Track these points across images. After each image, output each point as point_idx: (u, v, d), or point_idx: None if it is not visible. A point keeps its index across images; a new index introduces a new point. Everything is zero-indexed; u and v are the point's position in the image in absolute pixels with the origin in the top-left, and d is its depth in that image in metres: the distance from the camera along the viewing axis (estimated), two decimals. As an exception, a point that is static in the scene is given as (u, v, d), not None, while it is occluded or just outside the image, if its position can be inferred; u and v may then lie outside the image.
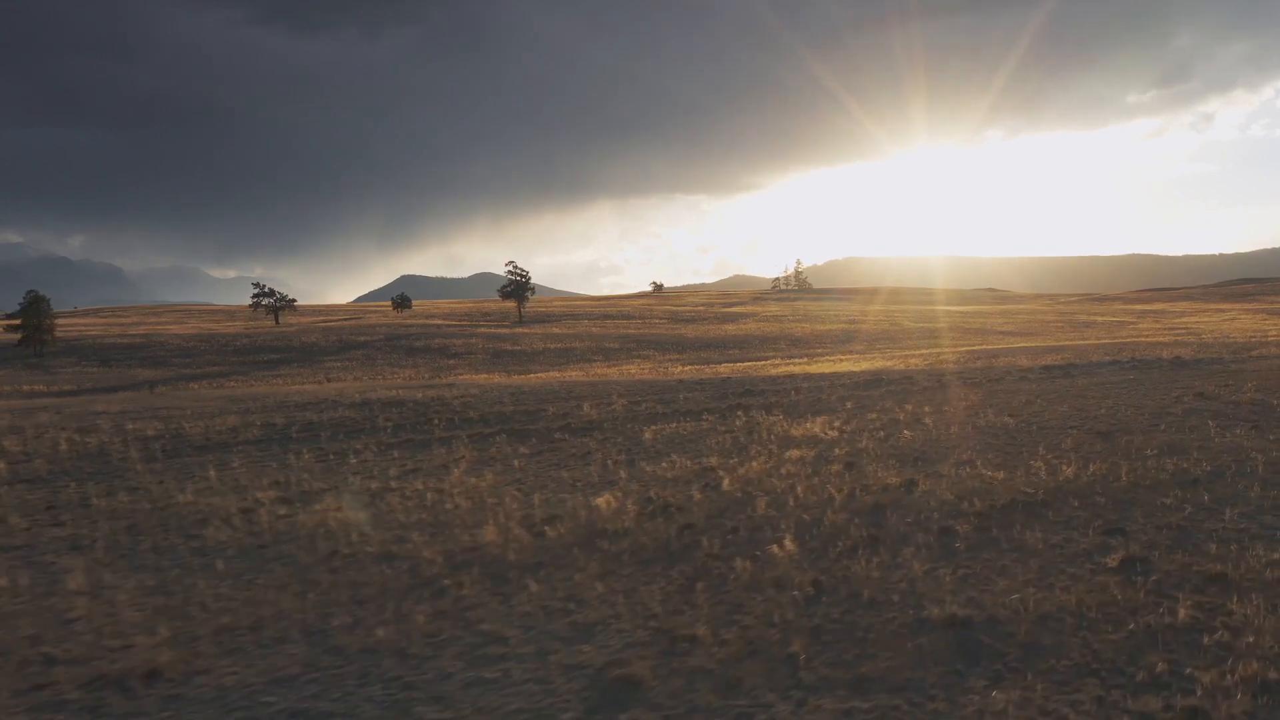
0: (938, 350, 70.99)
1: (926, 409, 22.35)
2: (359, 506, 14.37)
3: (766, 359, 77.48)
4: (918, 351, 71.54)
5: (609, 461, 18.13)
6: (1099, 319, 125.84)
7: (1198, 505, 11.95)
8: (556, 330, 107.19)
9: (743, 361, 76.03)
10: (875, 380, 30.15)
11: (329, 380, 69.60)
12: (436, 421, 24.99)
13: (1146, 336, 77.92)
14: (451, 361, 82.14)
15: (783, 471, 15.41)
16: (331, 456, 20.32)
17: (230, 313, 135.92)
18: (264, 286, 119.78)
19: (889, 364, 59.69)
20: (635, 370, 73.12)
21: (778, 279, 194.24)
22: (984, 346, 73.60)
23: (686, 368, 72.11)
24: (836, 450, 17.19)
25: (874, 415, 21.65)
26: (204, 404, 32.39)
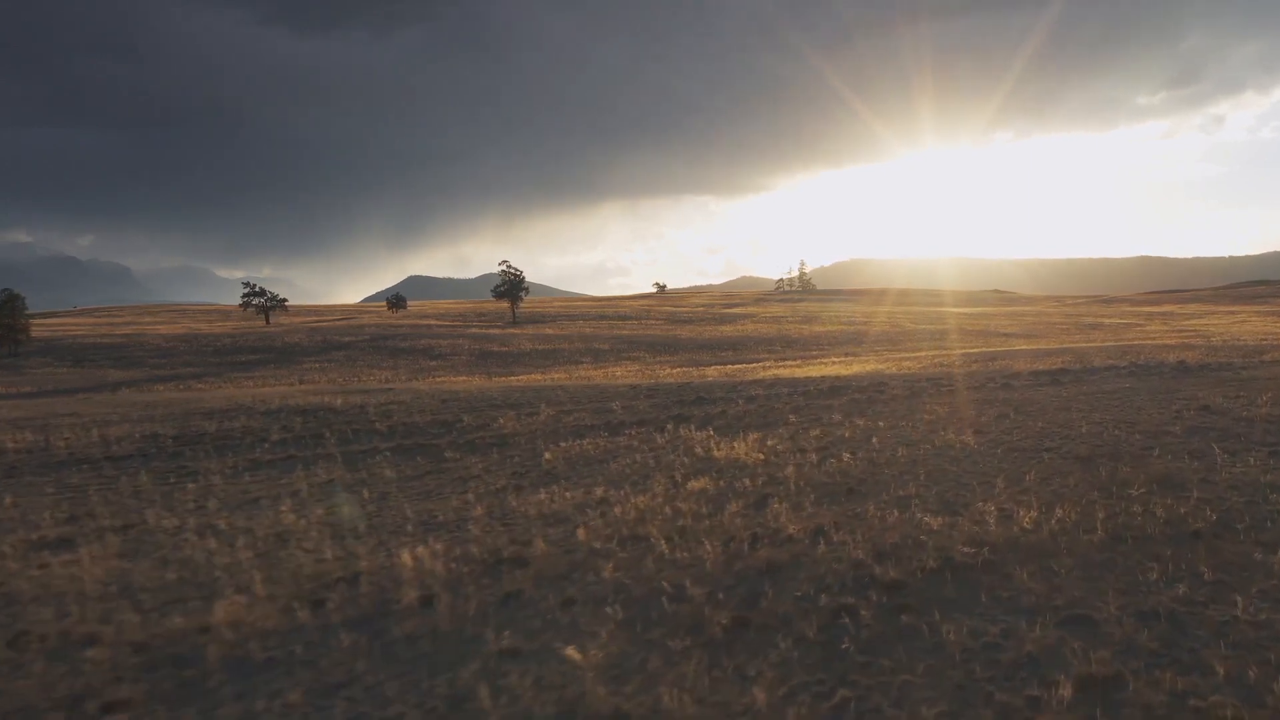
0: (933, 353, 67.40)
1: (882, 423, 18.91)
2: (103, 559, 11.01)
3: (758, 361, 74.04)
4: (914, 354, 67.98)
5: (486, 489, 14.80)
6: (1106, 321, 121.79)
7: (1196, 579, 8.48)
8: (549, 331, 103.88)
9: (733, 364, 72.63)
10: (843, 387, 26.69)
11: (301, 382, 66.50)
12: (330, 436, 21.68)
13: (1153, 339, 74.13)
14: (433, 363, 78.91)
15: (669, 511, 12.00)
16: (173, 479, 17.03)
17: (225, 313, 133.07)
18: (254, 286, 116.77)
19: (880, 367, 56.23)
20: (621, 373, 69.81)
21: (781, 280, 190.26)
22: (984, 349, 69.98)
23: (673, 370, 68.79)
24: (751, 480, 13.76)
25: (818, 432, 18.21)
26: (115, 410, 29.21)
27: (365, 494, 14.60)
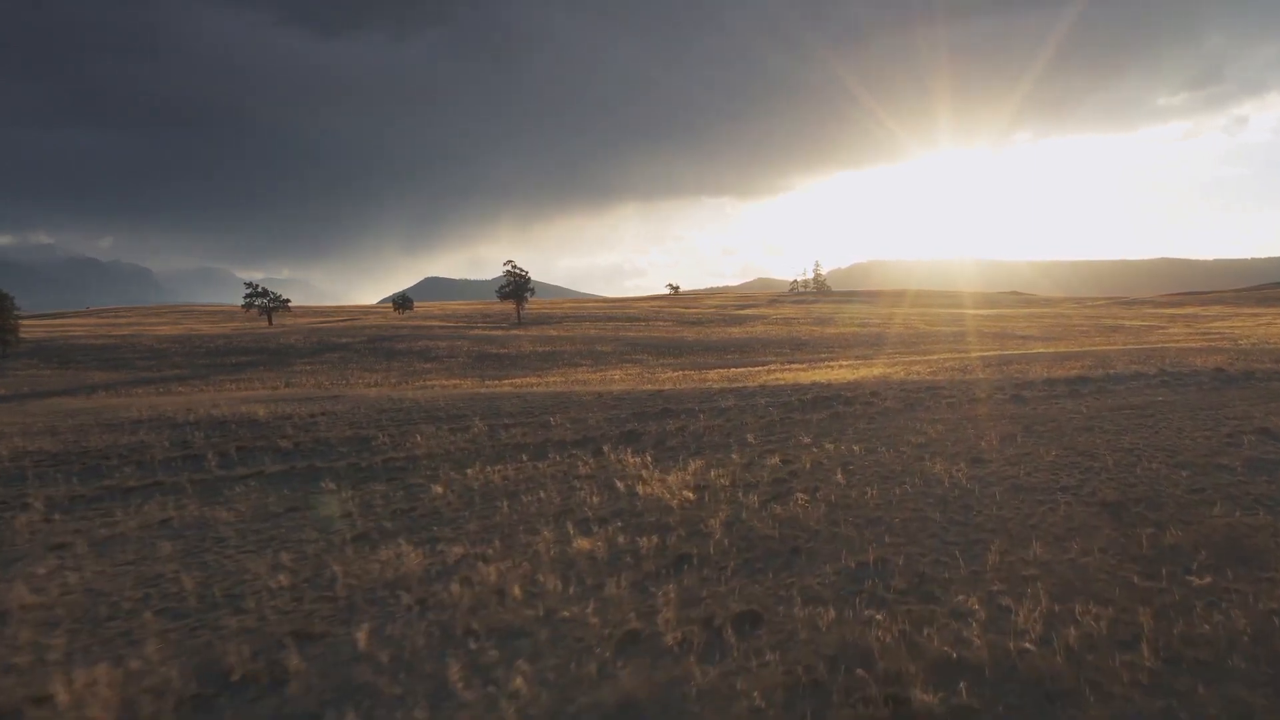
0: (946, 355, 63.38)
1: (858, 447, 15.25)
2: None
3: (763, 364, 70.26)
4: (926, 357, 64.01)
5: (328, 543, 11.26)
6: (1127, 323, 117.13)
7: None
8: (553, 332, 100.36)
9: (737, 366, 68.89)
10: (831, 397, 23.00)
11: (287, 385, 63.29)
12: (212, 457, 18.19)
13: (1177, 341, 69.86)
14: (428, 365, 75.57)
15: (527, 589, 8.41)
16: (-22, 515, 13.61)
17: (231, 313, 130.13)
18: (257, 286, 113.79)
19: (888, 371, 52.37)
20: (619, 376, 66.19)
21: (795, 281, 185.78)
22: (999, 351, 65.98)
23: (673, 373, 65.08)
24: (662, 536, 10.16)
25: (776, 460, 14.56)
26: (31, 419, 25.98)
27: (169, 548, 11.08)
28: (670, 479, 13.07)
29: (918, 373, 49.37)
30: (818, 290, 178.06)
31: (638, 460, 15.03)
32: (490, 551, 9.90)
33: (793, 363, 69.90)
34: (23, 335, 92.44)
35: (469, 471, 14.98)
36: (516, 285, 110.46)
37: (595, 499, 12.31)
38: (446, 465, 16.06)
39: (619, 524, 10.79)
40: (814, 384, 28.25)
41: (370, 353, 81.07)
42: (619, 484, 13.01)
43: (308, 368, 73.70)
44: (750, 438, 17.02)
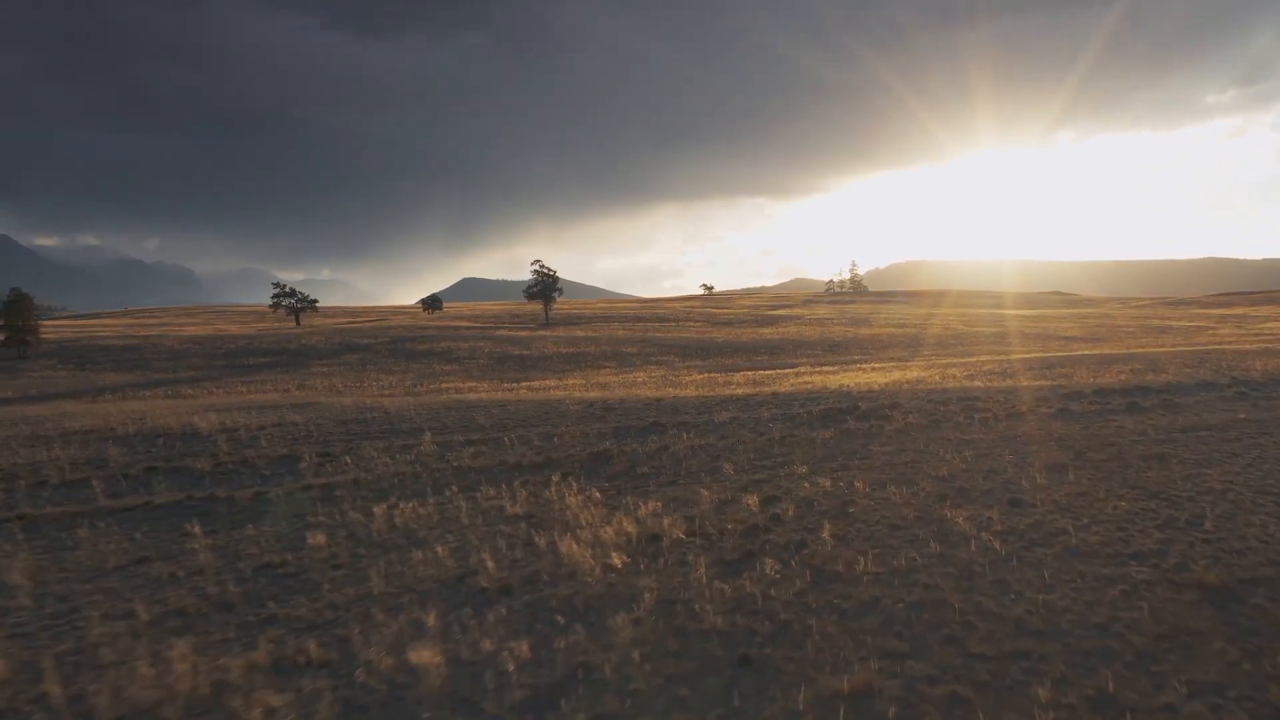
0: (985, 358, 59.45)
1: (860, 483, 11.92)
2: None
3: (793, 366, 66.80)
4: (963, 359, 60.14)
5: (130, 623, 8.21)
6: (1175, 323, 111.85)
7: None
8: (579, 333, 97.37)
9: (765, 369, 65.43)
10: (846, 409, 19.58)
11: (299, 388, 60.94)
12: (98, 485, 15.25)
13: (1229, 343, 65.29)
14: (448, 367, 72.90)
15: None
16: None
17: (262, 314, 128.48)
18: (285, 286, 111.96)
19: (923, 374, 48.74)
20: (642, 378, 63.08)
21: (831, 281, 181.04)
22: (1041, 354, 61.96)
23: (698, 375, 61.87)
24: (538, 642, 6.92)
25: (755, 499, 11.28)
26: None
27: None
28: (609, 529, 9.84)
29: (953, 376, 45.72)
30: (854, 290, 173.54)
31: (582, 498, 11.79)
32: (301, 658, 6.77)
33: (823, 365, 66.27)
34: (50, 336, 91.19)
35: (377, 509, 11.83)
36: (544, 285, 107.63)
37: (501, 560, 9.12)
38: (361, 498, 12.96)
39: (502, 609, 7.61)
40: (832, 392, 24.84)
41: (391, 354, 78.56)
42: (539, 538, 9.78)
43: (324, 369, 71.29)
44: (732, 467, 13.72)
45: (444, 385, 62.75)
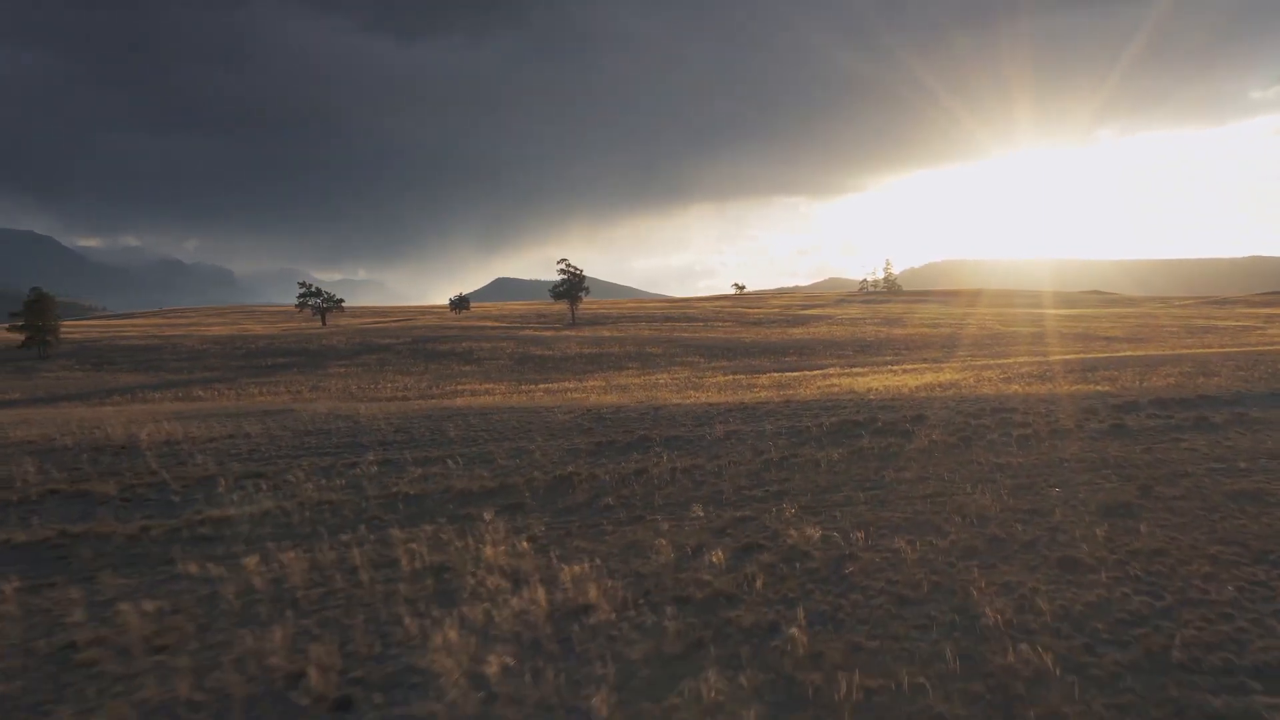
0: (1023, 359, 56.23)
1: (862, 533, 9.19)
2: None
3: (822, 368, 63.93)
4: (1000, 360, 56.99)
5: None
6: (1220, 323, 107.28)
7: None
8: (605, 333, 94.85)
9: (792, 370, 62.64)
10: (864, 422, 16.83)
11: (312, 390, 59.13)
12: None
13: (1283, 344, 61.58)
14: (467, 368, 70.77)
15: None
16: None
17: (290, 314, 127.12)
18: (310, 286, 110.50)
19: (956, 376, 45.82)
20: (665, 379, 60.61)
21: (864, 281, 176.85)
22: (1082, 354, 58.60)
23: (722, 377, 59.26)
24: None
25: (720, 554, 8.61)
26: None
27: None
28: (514, 602, 7.25)
29: (988, 379, 42.84)
30: (888, 290, 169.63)
31: (504, 549, 9.18)
32: None
33: (853, 366, 63.29)
34: (75, 335, 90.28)
35: (249, 561, 9.32)
36: (570, 285, 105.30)
37: (351, 656, 6.55)
38: (250, 539, 10.48)
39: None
40: (852, 400, 22.03)
41: (410, 354, 76.51)
42: (410, 622, 7.15)
43: (342, 370, 69.38)
44: (712, 501, 11.07)
45: (459, 387, 60.62)
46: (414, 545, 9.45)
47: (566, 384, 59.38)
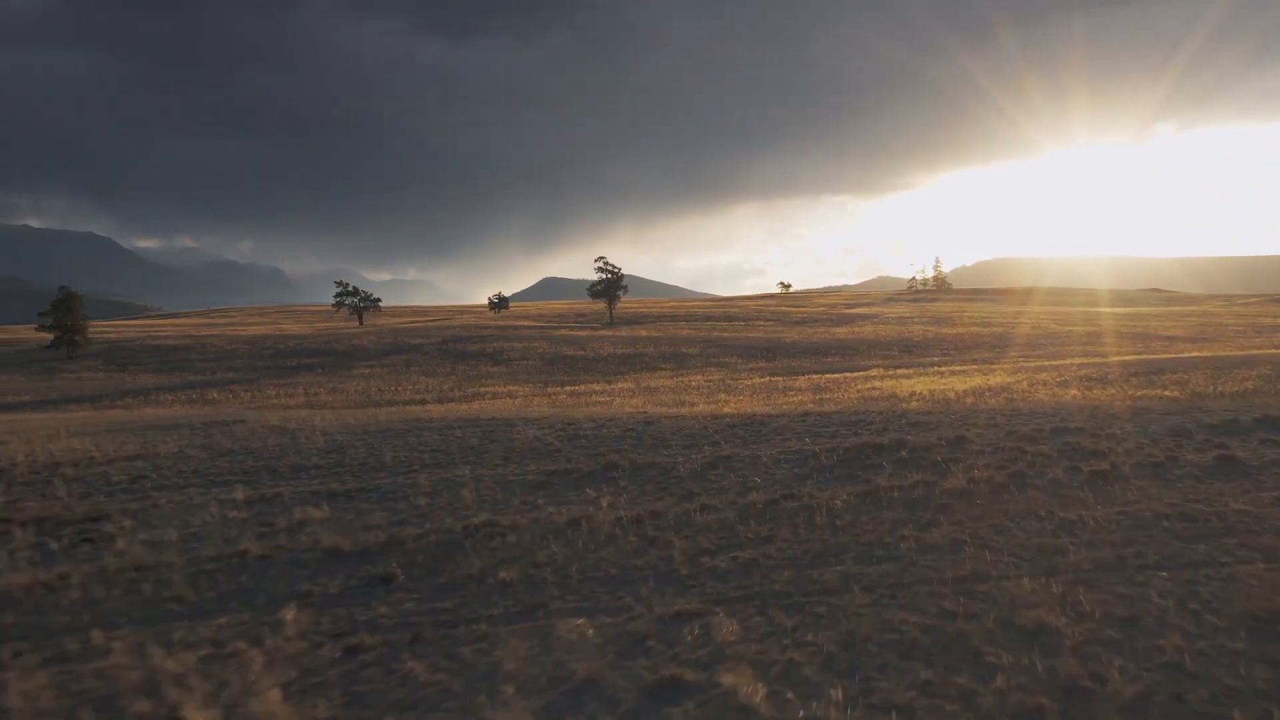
0: (1081, 360, 51.59)
1: (838, 690, 5.49)
2: None
3: (865, 369, 59.82)
4: (1054, 362, 52.49)
5: None
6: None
7: None
8: (642, 333, 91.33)
9: (834, 372, 58.59)
10: (889, 446, 13.09)
11: (330, 392, 56.53)
12: None
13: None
14: (495, 369, 67.72)
15: None
16: None
17: (329, 313, 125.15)
18: (348, 285, 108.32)
19: (1007, 379, 41.59)
20: (699, 381, 56.95)
21: (913, 279, 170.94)
22: (1142, 355, 53.84)
23: (758, 379, 55.45)
24: None
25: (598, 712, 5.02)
26: None
27: None
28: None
29: (1044, 382, 38.60)
30: (938, 288, 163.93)
31: (279, 684, 5.73)
32: None
33: (898, 368, 59.06)
34: (111, 335, 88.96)
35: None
36: (608, 284, 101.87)
37: None
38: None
39: None
40: (880, 413, 18.16)
41: (439, 355, 73.61)
42: None
43: (366, 371, 66.68)
44: (635, 590, 7.46)
45: (482, 389, 57.53)
46: (203, 646, 6.00)
47: (594, 386, 55.99)
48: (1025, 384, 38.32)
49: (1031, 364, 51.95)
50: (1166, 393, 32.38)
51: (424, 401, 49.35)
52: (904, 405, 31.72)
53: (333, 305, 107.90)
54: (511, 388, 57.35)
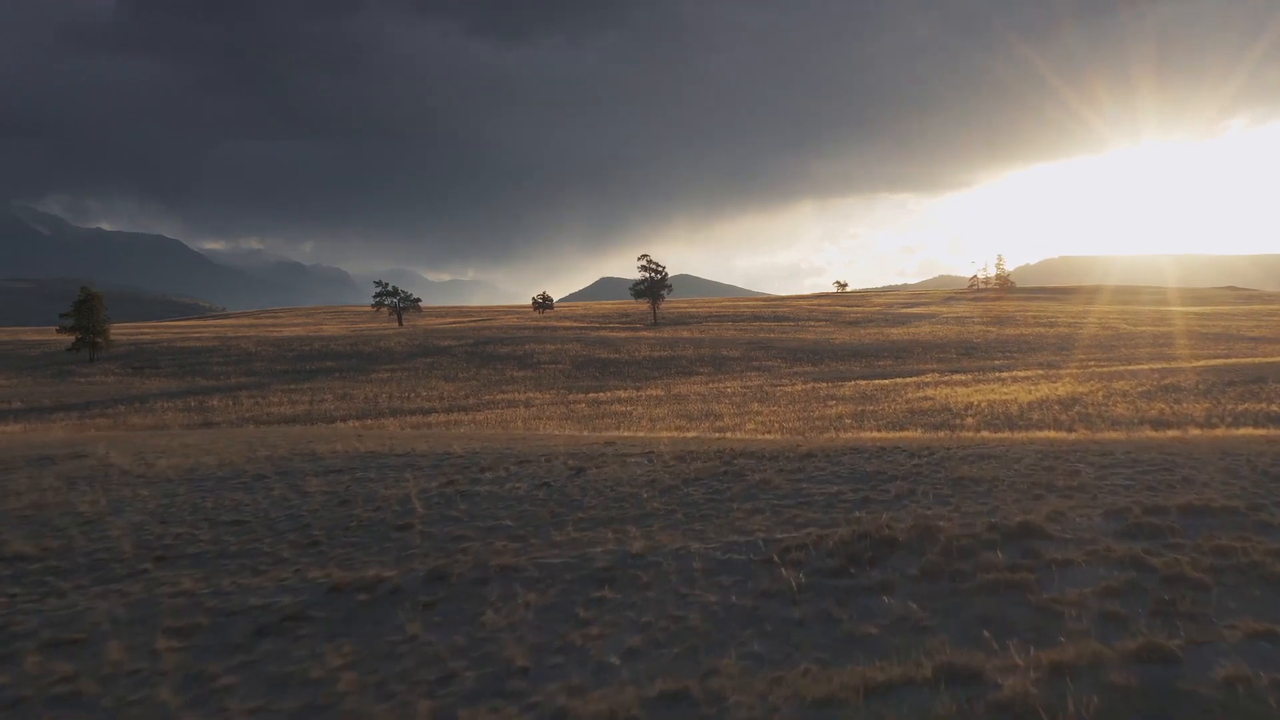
0: (1155, 366, 45.25)
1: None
2: None
3: (918, 374, 54.15)
4: (1128, 366, 46.33)
5: None
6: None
7: None
8: (685, 334, 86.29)
9: (884, 378, 52.98)
10: (913, 539, 8.15)
11: (340, 398, 52.64)
12: None
13: None
14: (521, 373, 63.25)
15: None
16: None
17: (372, 314, 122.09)
18: (388, 285, 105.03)
19: (1079, 388, 35.94)
20: (735, 388, 51.89)
21: (974, 278, 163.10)
22: (1228, 359, 47.35)
23: (800, 385, 50.20)
24: None
25: None
26: None
27: None
28: None
29: (1121, 392, 32.79)
30: (999, 287, 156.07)
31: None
32: None
33: (955, 373, 53.26)
34: (144, 337, 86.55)
35: None
36: (652, 283, 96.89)
37: None
38: None
39: None
40: (923, 457, 12.97)
41: (466, 358, 69.40)
42: None
43: (386, 375, 62.69)
44: None
45: (499, 396, 53.02)
46: None
47: (620, 393, 51.23)
48: (1101, 395, 32.58)
49: (1103, 369, 45.87)
50: None
51: (431, 411, 45.09)
52: (955, 424, 25.96)
53: (372, 306, 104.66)
54: (530, 394, 52.76)
